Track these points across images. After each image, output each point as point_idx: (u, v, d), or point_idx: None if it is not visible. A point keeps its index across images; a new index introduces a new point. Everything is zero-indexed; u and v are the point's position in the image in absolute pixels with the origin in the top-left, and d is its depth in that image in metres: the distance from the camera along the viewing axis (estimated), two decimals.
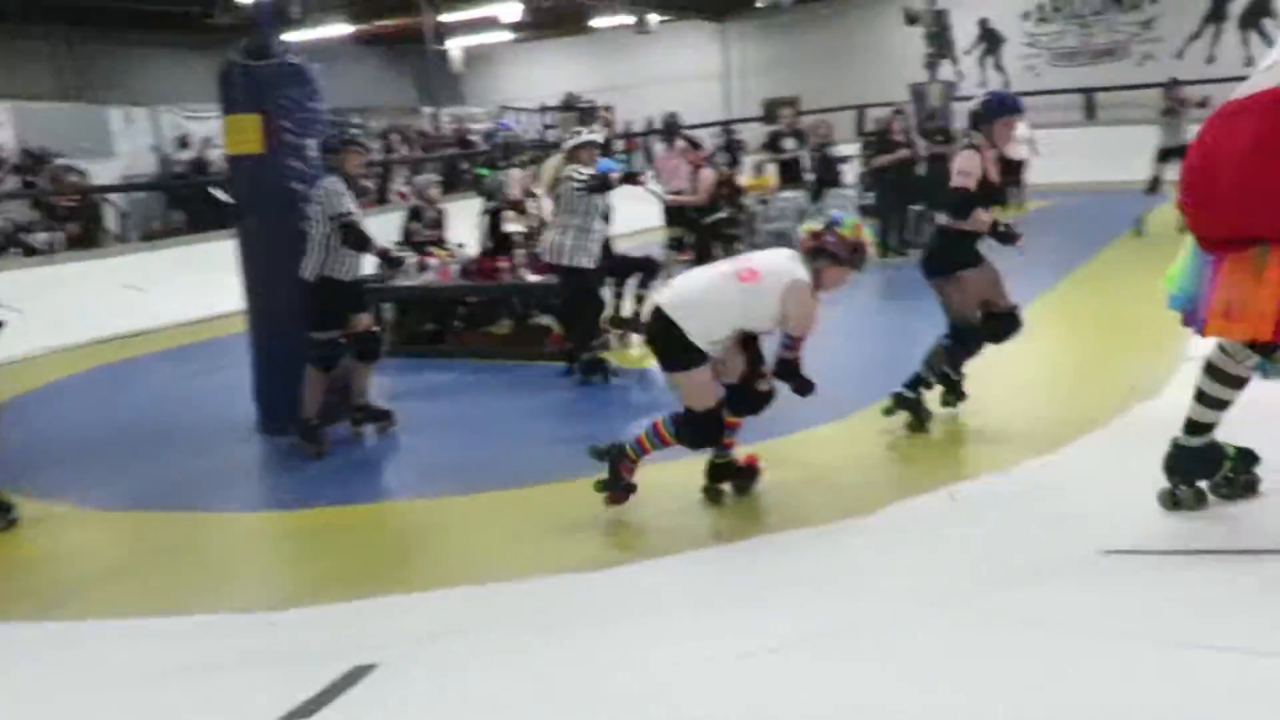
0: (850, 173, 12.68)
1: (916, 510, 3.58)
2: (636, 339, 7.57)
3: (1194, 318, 2.64)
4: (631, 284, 7.55)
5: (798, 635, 2.64)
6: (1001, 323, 4.66)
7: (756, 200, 12.10)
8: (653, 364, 6.89)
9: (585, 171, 6.13)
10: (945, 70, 20.37)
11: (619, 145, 22.95)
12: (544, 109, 22.46)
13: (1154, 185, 11.53)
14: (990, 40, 23.96)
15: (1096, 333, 6.48)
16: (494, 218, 8.46)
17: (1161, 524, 2.79)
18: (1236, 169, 2.32)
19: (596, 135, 6.69)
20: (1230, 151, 2.36)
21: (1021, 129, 15.20)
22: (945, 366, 4.65)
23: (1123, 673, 2.01)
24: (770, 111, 23.55)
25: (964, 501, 3.55)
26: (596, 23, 24.74)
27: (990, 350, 4.77)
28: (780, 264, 3.87)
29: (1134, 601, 2.38)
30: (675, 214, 9.03)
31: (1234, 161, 2.33)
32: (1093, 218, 13.48)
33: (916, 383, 4.67)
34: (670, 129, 9.42)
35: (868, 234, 4.04)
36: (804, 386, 3.90)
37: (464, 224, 9.30)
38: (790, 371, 3.87)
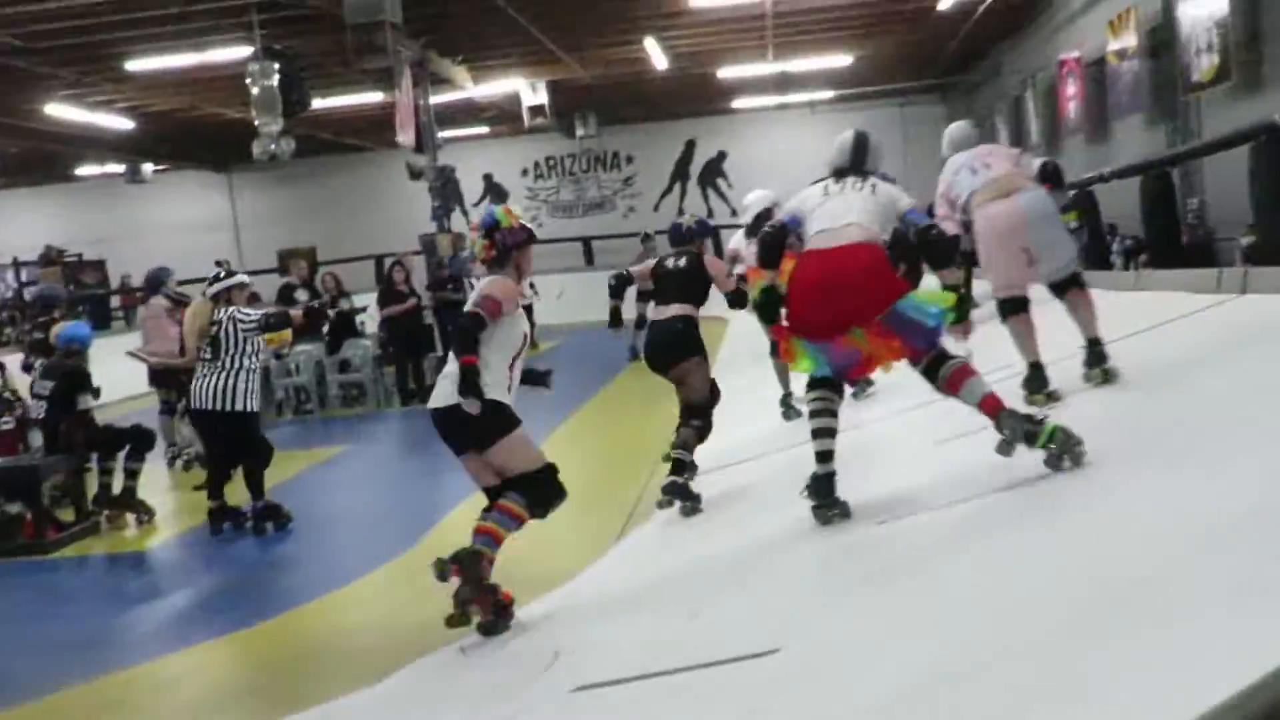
0: (370, 322, 12.68)
1: (427, 670, 3.50)
2: (131, 519, 6.79)
3: (838, 377, 3.91)
4: (121, 458, 6.80)
5: None
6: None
7: (271, 354, 11.60)
8: (151, 544, 6.34)
9: (253, 312, 6.21)
10: (457, 221, 21.43)
11: (115, 301, 21.04)
12: (18, 264, 19.90)
13: (640, 321, 12.95)
14: (496, 193, 25.70)
15: (601, 463, 6.97)
16: None
17: (637, 650, 3.00)
18: (850, 289, 3.71)
19: (243, 277, 6.52)
20: (843, 279, 3.74)
21: None
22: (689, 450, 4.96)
23: None
24: (285, 263, 23.02)
25: (473, 653, 3.54)
26: (82, 171, 22.65)
27: None
28: (477, 296, 3.91)
29: None
30: (162, 375, 8.22)
31: (847, 285, 3.72)
32: (598, 353, 14.66)
33: (680, 468, 4.90)
34: (153, 285, 8.62)
35: (517, 211, 4.11)
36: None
37: None
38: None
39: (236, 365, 5.97)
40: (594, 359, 13.88)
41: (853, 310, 3.70)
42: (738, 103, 23.00)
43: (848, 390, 4.31)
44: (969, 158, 4.91)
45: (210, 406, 5.96)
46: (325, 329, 11.87)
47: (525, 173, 25.70)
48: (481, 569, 3.59)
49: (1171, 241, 7.30)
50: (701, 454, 6.07)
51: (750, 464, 5.52)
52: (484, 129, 23.22)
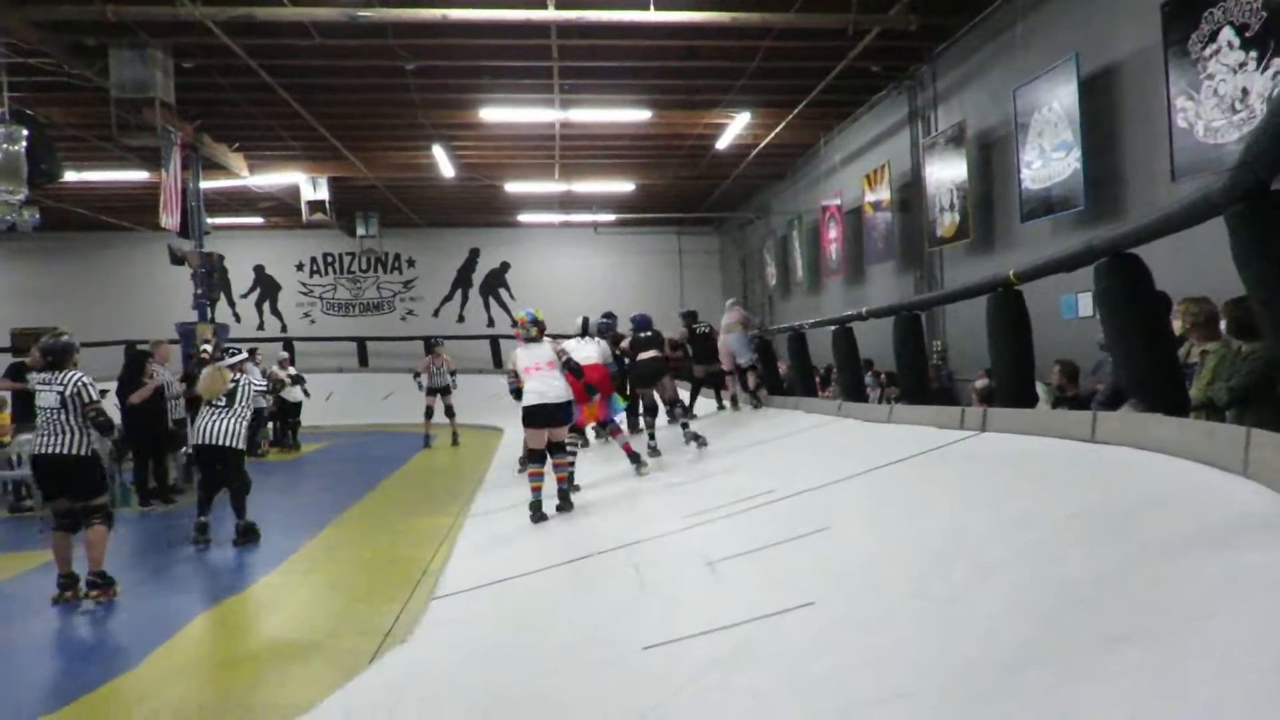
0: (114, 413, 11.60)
1: None
2: None
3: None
4: None
5: None
6: None
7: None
8: None
9: (262, 380, 8.91)
10: (223, 311, 20.29)
11: None
12: None
13: (429, 413, 15.20)
14: (266, 286, 24.65)
15: (357, 576, 6.55)
16: None
17: None
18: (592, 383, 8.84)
19: (245, 354, 9.05)
20: (591, 379, 8.63)
21: (292, 370, 15.64)
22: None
23: None
24: (20, 342, 20.95)
25: None
26: None
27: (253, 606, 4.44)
28: (544, 352, 7.61)
29: None
30: None
31: (593, 381, 8.78)
32: (368, 457, 14.09)
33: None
34: None
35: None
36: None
37: None
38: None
39: (242, 415, 8.11)
40: (361, 463, 13.32)
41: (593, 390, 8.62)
42: (524, 216, 23.34)
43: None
44: (726, 309, 11.56)
45: (220, 443, 7.92)
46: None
47: (300, 267, 24.84)
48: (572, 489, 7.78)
49: (921, 379, 7.88)
50: (467, 573, 5.87)
51: (509, 583, 5.35)
52: (259, 219, 22.33)
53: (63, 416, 6.19)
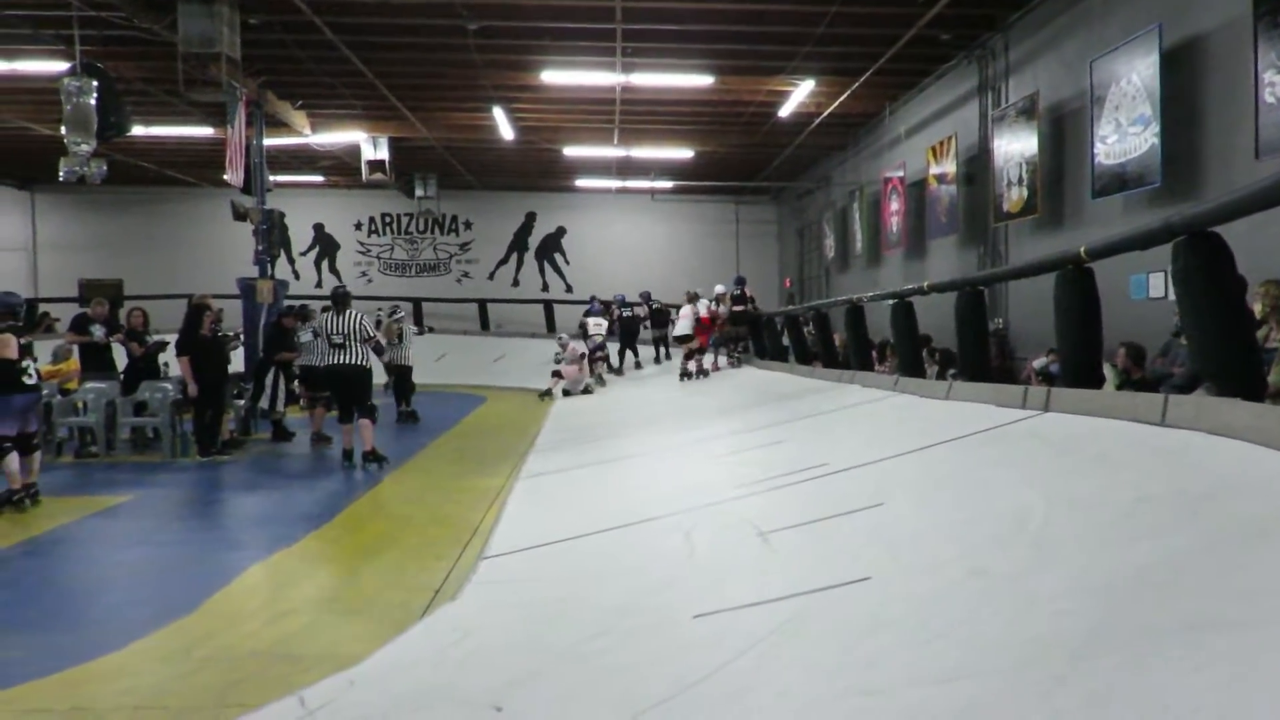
0: (174, 365, 11.87)
1: None
2: None
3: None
4: None
5: None
6: None
7: (55, 389, 10.67)
8: None
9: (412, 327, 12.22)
10: (282, 268, 20.59)
11: None
12: None
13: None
14: (325, 244, 24.92)
15: (408, 534, 6.61)
16: None
17: None
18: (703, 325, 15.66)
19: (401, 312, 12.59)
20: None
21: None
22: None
23: None
24: (88, 292, 21.48)
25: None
26: None
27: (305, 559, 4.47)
28: (602, 321, 17.55)
29: None
30: None
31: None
32: (421, 416, 14.21)
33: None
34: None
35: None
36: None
37: None
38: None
39: (408, 348, 12.29)
40: (423, 420, 13.42)
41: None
42: (581, 181, 23.28)
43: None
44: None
45: (399, 362, 11.52)
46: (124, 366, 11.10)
47: (359, 226, 25.07)
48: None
49: (982, 356, 7.70)
50: (517, 534, 5.89)
51: (558, 545, 5.35)
52: (319, 178, 22.55)
53: (322, 345, 9.58)
